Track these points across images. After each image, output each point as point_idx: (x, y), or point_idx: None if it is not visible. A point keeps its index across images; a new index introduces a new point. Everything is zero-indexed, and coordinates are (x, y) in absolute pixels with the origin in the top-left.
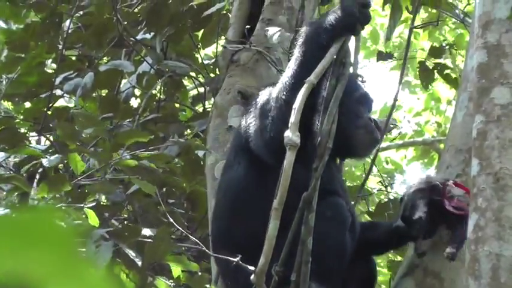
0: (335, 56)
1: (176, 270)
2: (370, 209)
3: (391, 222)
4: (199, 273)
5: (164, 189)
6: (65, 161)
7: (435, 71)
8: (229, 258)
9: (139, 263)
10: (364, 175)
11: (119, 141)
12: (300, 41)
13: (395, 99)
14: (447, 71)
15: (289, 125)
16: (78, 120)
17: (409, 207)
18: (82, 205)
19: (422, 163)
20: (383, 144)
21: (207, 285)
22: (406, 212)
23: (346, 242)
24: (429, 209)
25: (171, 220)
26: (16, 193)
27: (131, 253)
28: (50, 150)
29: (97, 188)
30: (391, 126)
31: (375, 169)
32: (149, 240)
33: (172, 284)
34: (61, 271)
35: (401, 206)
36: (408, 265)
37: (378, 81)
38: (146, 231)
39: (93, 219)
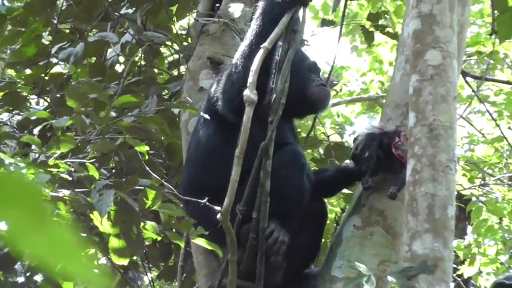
0: (287, 24)
1: (165, 216)
2: (317, 156)
3: (340, 164)
4: (186, 218)
5: (145, 142)
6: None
7: (376, 31)
8: (198, 200)
9: (137, 209)
10: (318, 125)
11: (116, 104)
12: (257, 14)
13: (334, 60)
14: (387, 29)
15: (248, 84)
16: (85, 88)
17: (360, 147)
18: (84, 160)
19: (368, 116)
20: (334, 100)
21: (193, 228)
22: (357, 151)
23: (305, 186)
24: (378, 149)
25: (148, 169)
26: (21, 153)
27: (130, 200)
28: (47, 110)
29: (98, 145)
30: (334, 82)
31: (328, 123)
32: (141, 187)
33: (161, 227)
34: (31, 226)
35: (353, 145)
36: (355, 205)
37: (330, 46)
38: (142, 182)
39: (94, 172)
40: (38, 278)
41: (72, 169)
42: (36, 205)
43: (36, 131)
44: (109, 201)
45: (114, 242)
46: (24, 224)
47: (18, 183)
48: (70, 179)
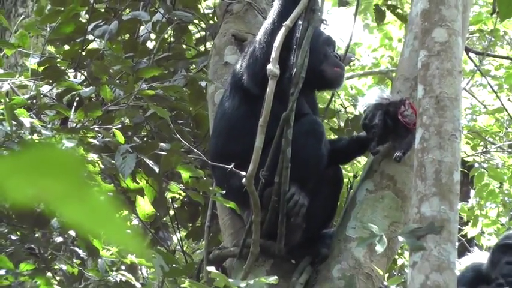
0: (307, 4)
1: (185, 176)
2: (335, 126)
3: (353, 134)
4: (204, 178)
5: (174, 112)
6: (97, 92)
7: (388, 11)
8: (224, 165)
9: (157, 171)
10: (335, 97)
11: (140, 75)
12: None
13: (351, 37)
14: (398, 10)
15: (271, 59)
16: (108, 59)
17: (369, 116)
18: (110, 126)
19: (379, 88)
20: (348, 74)
21: (210, 188)
22: (366, 120)
23: (322, 153)
24: (384, 117)
25: (179, 137)
26: (58, 118)
27: (150, 163)
28: (84, 83)
29: (122, 112)
30: (351, 59)
31: (342, 95)
32: (164, 152)
33: (182, 187)
34: (70, 194)
35: (363, 115)
36: (368, 170)
37: (344, 24)
38: (162, 146)
39: (120, 137)
40: (72, 232)
41: (100, 135)
42: (73, 173)
43: (64, 100)
44: (132, 164)
45: (141, 203)
46: (63, 191)
47: (57, 152)
48: (97, 143)
